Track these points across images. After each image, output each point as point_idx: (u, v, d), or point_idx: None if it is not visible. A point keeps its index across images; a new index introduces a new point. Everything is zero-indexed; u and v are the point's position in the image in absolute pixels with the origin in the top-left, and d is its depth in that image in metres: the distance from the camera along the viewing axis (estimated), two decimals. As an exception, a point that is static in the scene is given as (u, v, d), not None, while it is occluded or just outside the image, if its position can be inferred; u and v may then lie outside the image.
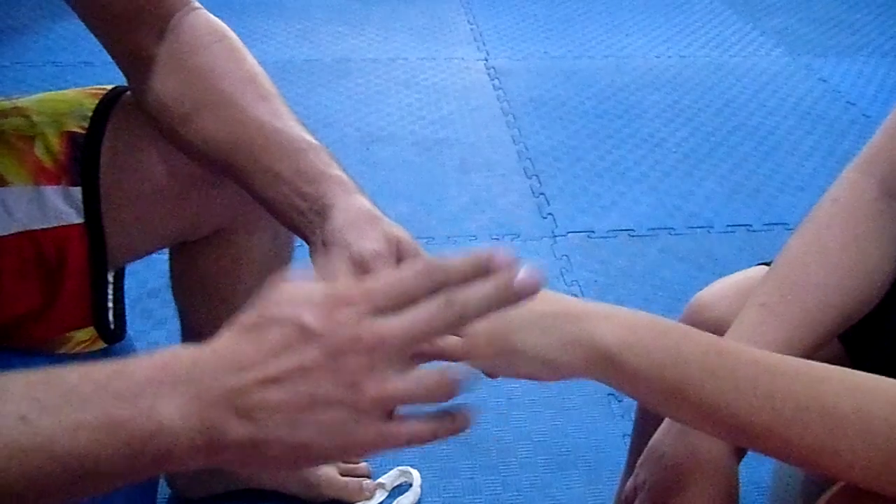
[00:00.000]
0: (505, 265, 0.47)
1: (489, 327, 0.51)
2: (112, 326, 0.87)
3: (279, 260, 1.03)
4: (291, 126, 0.73)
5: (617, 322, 0.51)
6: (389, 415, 0.45)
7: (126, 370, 0.44)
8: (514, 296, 0.47)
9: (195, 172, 0.82)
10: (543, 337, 0.51)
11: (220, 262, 0.97)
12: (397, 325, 0.44)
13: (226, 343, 0.45)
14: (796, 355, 0.65)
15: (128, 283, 0.92)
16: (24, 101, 0.84)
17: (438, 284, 0.46)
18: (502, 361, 0.52)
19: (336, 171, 0.69)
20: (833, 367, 0.52)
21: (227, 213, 0.90)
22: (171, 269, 1.02)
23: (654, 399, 0.53)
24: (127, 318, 0.90)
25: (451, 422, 0.46)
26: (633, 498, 0.73)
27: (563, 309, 0.52)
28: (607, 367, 0.51)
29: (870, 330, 0.73)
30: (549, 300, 0.53)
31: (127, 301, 0.91)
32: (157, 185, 0.83)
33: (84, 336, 0.85)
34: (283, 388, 0.43)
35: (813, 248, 0.69)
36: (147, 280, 1.52)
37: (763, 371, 0.51)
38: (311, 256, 0.67)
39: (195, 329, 1.07)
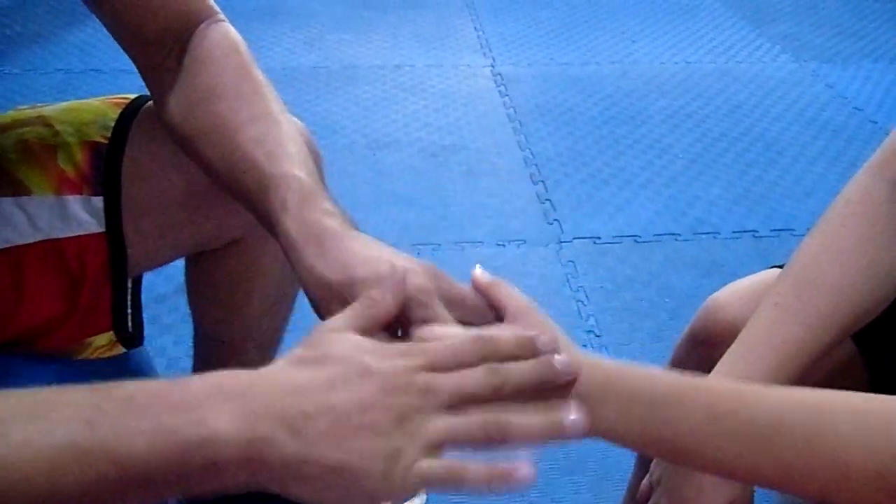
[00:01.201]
0: (547, 349, 0.51)
1: None
2: (131, 332, 0.88)
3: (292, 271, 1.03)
4: (267, 155, 0.69)
5: (613, 399, 0.52)
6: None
7: (182, 384, 0.46)
8: (553, 375, 0.51)
9: (212, 185, 0.83)
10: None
11: (236, 271, 0.97)
12: (448, 379, 0.48)
13: (283, 369, 0.48)
14: (810, 355, 0.66)
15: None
16: (48, 109, 0.85)
17: (487, 355, 0.50)
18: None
19: (313, 214, 0.65)
20: (835, 398, 0.52)
21: (243, 224, 0.91)
22: (187, 278, 1.03)
23: (662, 459, 0.55)
24: (140, 323, 0.91)
25: (507, 472, 0.47)
26: (648, 496, 0.74)
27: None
28: (609, 439, 0.53)
29: (883, 329, 0.73)
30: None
31: (137, 307, 0.92)
32: (176, 196, 0.84)
33: (103, 341, 0.85)
34: (335, 414, 0.45)
35: (827, 249, 0.70)
36: (155, 286, 1.53)
37: (764, 426, 0.51)
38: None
39: (210, 336, 1.08)
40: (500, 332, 0.52)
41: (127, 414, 0.44)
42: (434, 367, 0.48)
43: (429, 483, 0.46)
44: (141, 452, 0.43)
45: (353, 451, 0.44)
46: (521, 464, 0.47)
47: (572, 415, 0.49)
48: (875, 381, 0.75)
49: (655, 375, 0.54)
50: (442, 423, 0.47)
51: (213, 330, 1.07)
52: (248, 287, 1.00)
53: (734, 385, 0.59)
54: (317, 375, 0.47)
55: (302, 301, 1.07)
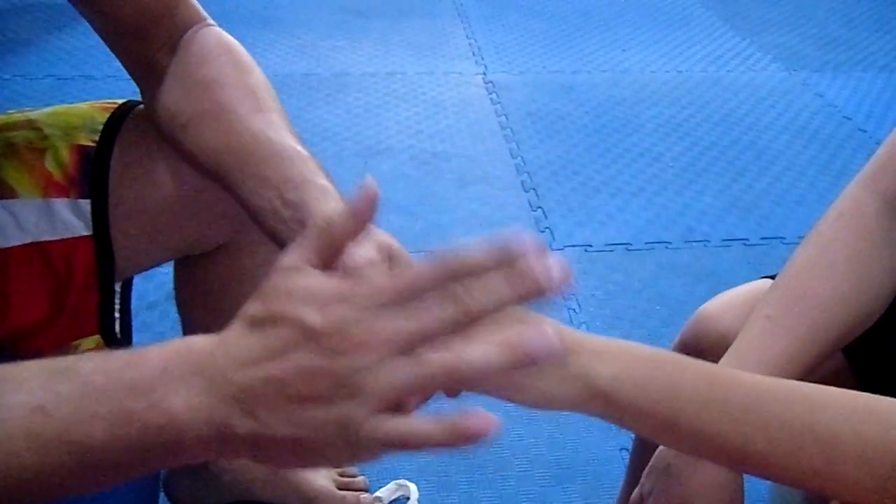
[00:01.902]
0: (525, 253, 0.43)
1: None
2: (119, 336, 0.87)
3: None
4: (283, 136, 0.72)
5: (611, 357, 0.50)
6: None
7: (139, 361, 0.44)
8: (534, 289, 0.43)
9: (202, 187, 0.83)
10: (537, 371, 0.50)
11: (224, 276, 0.97)
12: (401, 325, 0.43)
13: (235, 337, 0.46)
14: (801, 368, 0.66)
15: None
16: (37, 113, 0.85)
17: (452, 277, 0.44)
18: (497, 392, 0.51)
19: (321, 181, 0.68)
20: (830, 389, 0.52)
21: (232, 228, 0.91)
22: (175, 281, 1.03)
23: (649, 431, 0.53)
24: (128, 328, 0.91)
25: (466, 424, 0.42)
26: (641, 504, 0.73)
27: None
28: (602, 402, 0.50)
29: (873, 342, 0.74)
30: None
31: (125, 313, 0.91)
32: (164, 199, 0.84)
33: (90, 344, 0.85)
34: (283, 387, 0.43)
35: (818, 262, 0.70)
36: (145, 293, 1.52)
37: (757, 399, 0.51)
38: None
39: None
40: (469, 252, 0.44)
41: (83, 399, 0.42)
42: (386, 305, 0.43)
43: (389, 445, 0.43)
44: (99, 439, 0.42)
45: (305, 425, 0.43)
46: (479, 415, 0.42)
47: (542, 335, 0.43)
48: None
49: (656, 348, 0.53)
50: (388, 379, 0.42)
51: (202, 334, 1.06)
52: (237, 291, 0.99)
53: (729, 369, 0.59)
54: (264, 343, 0.44)
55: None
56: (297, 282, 0.46)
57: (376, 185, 0.49)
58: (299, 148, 0.72)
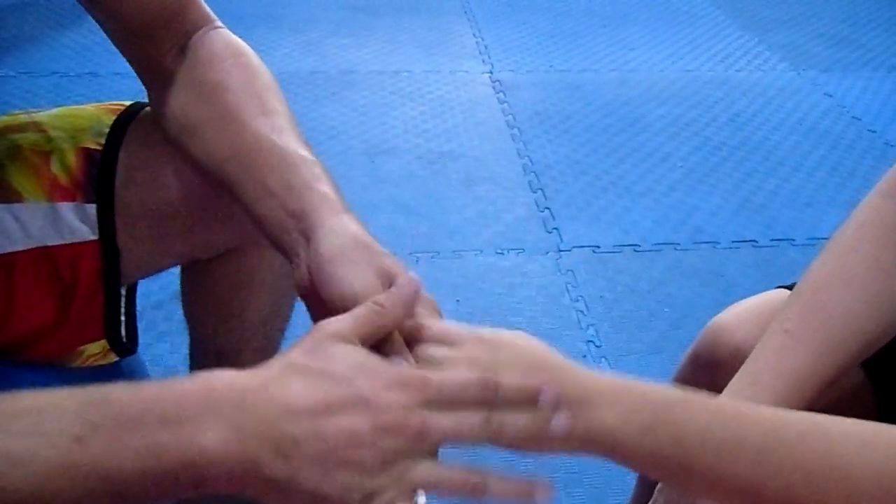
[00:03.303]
0: (550, 404, 0.49)
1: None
2: (124, 340, 0.87)
3: (290, 280, 1.02)
4: (288, 141, 0.71)
5: (615, 402, 0.50)
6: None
7: (174, 392, 0.46)
8: (548, 435, 0.49)
9: (208, 192, 0.82)
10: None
11: (231, 280, 0.96)
12: (444, 423, 0.48)
13: (278, 379, 0.47)
14: (820, 382, 0.64)
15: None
16: (42, 115, 0.84)
17: (488, 398, 0.49)
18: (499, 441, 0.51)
19: (324, 188, 0.67)
20: (847, 421, 0.51)
21: (239, 233, 0.90)
22: (182, 286, 1.02)
23: (659, 476, 0.53)
24: (134, 331, 0.90)
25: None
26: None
27: (562, 391, 0.50)
28: (609, 450, 0.50)
29: (893, 356, 0.72)
30: (549, 376, 0.51)
31: (130, 315, 0.90)
32: (170, 204, 0.83)
33: (96, 349, 0.84)
34: (329, 446, 0.45)
35: (837, 274, 0.68)
36: (150, 293, 1.51)
37: (773, 438, 0.50)
38: (294, 276, 0.65)
39: (205, 344, 1.07)
40: (506, 379, 0.50)
41: (118, 429, 0.44)
42: (431, 402, 0.48)
43: None
44: (130, 469, 0.43)
45: (336, 484, 0.46)
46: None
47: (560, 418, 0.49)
48: (883, 408, 0.74)
49: (658, 385, 0.52)
50: (426, 471, 0.48)
51: (209, 339, 1.06)
52: (244, 296, 0.98)
53: (739, 402, 0.58)
54: (312, 396, 0.46)
55: (301, 307, 1.06)
56: (349, 350, 0.49)
57: (418, 281, 0.56)
58: (303, 152, 0.70)
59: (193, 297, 1.02)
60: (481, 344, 0.52)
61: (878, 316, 0.66)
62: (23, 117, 0.84)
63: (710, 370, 0.78)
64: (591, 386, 0.50)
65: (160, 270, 0.92)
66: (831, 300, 0.67)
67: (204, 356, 1.08)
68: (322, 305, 0.60)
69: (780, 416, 0.52)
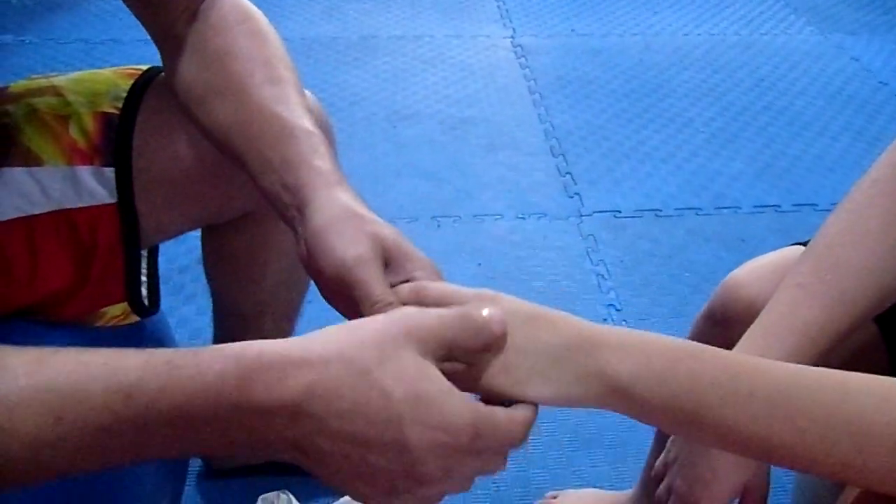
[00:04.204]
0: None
1: (503, 360, 0.51)
2: (146, 302, 0.88)
3: None
4: (291, 111, 0.71)
5: (628, 352, 0.50)
6: None
7: (204, 397, 0.45)
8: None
9: (222, 157, 0.83)
10: (555, 369, 0.50)
11: (250, 245, 0.98)
12: (474, 470, 0.49)
13: (322, 395, 0.45)
14: (832, 336, 0.65)
15: (159, 259, 0.93)
16: (61, 79, 0.85)
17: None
18: (514, 391, 0.51)
19: (318, 162, 0.66)
20: (860, 376, 0.51)
21: (254, 198, 0.91)
22: (203, 250, 1.04)
23: (671, 427, 0.52)
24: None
25: None
26: (664, 474, 0.74)
27: (576, 340, 0.51)
28: (620, 399, 0.50)
29: None
30: (561, 329, 0.52)
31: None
32: (186, 168, 0.84)
33: (117, 311, 0.86)
34: (354, 468, 0.47)
35: (852, 229, 0.69)
36: (177, 256, 1.54)
37: (783, 391, 0.50)
38: (297, 251, 0.65)
39: (227, 308, 1.09)
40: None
41: (147, 426, 0.45)
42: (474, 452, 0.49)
43: None
44: (152, 453, 0.46)
45: (348, 486, 0.48)
46: None
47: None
48: (895, 364, 0.75)
49: (676, 339, 0.53)
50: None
51: (230, 303, 1.07)
52: (263, 259, 1.00)
53: (753, 356, 0.58)
54: (353, 424, 0.45)
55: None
56: (416, 379, 0.47)
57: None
58: (305, 124, 0.70)
59: (213, 261, 1.04)
60: (482, 302, 0.52)
61: (892, 270, 0.67)
62: (41, 81, 0.84)
63: (724, 326, 0.79)
64: (603, 335, 0.51)
65: (178, 234, 0.93)
66: (845, 255, 0.67)
67: (226, 319, 1.10)
68: (323, 279, 0.60)
69: (794, 369, 0.52)
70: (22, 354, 0.45)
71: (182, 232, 0.93)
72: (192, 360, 0.45)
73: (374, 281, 0.57)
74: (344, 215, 0.61)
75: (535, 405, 0.51)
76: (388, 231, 0.61)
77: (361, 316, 0.55)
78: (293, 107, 0.71)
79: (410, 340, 0.47)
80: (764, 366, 0.52)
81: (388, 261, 0.59)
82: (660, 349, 0.51)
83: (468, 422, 0.47)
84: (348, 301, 0.58)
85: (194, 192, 0.86)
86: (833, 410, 0.49)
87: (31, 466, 0.44)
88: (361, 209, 0.62)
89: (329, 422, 0.45)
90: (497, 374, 0.51)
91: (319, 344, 0.47)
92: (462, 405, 0.47)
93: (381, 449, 0.46)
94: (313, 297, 1.08)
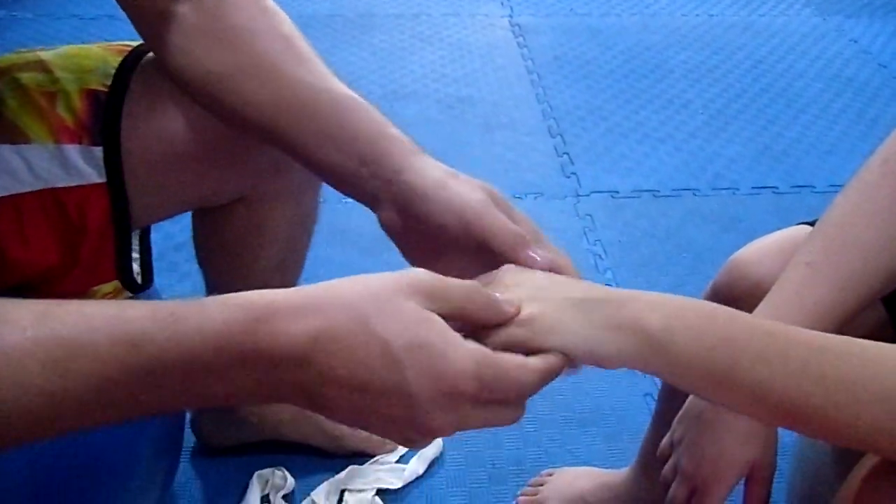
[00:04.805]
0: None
1: (534, 312, 0.51)
2: (139, 280, 0.87)
3: (302, 229, 1.03)
4: (337, 85, 0.70)
5: (662, 306, 0.50)
6: None
7: (205, 347, 0.45)
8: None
9: (216, 141, 0.82)
10: (586, 321, 0.50)
11: (242, 230, 0.96)
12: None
13: (326, 346, 0.46)
14: (841, 315, 0.65)
15: (153, 236, 0.92)
16: (48, 54, 0.82)
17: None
18: (535, 342, 0.50)
19: (394, 131, 0.67)
20: (883, 345, 0.51)
21: (248, 182, 0.90)
22: (194, 235, 1.02)
23: (703, 385, 0.51)
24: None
25: None
26: (669, 454, 0.73)
27: (606, 295, 0.51)
28: (654, 352, 0.49)
29: None
30: (591, 287, 0.52)
31: (153, 254, 0.91)
32: (176, 150, 0.82)
33: (109, 288, 0.85)
34: (359, 414, 0.47)
35: (860, 209, 0.68)
36: (172, 234, 1.53)
37: (815, 352, 0.50)
38: (381, 221, 0.66)
39: (219, 290, 1.07)
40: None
41: (152, 376, 0.45)
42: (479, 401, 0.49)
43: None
44: (159, 406, 0.47)
45: (362, 425, 0.49)
46: None
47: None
48: None
49: (704, 301, 0.53)
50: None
51: (222, 285, 1.06)
52: (255, 245, 0.99)
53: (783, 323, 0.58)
54: (354, 374, 0.46)
55: (313, 254, 1.07)
56: (419, 327, 0.47)
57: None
58: (355, 96, 0.69)
59: (205, 245, 1.03)
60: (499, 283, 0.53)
61: None
62: (28, 56, 0.82)
63: (730, 305, 0.79)
64: (635, 292, 0.51)
65: (169, 216, 0.91)
66: (854, 234, 0.67)
67: None
68: (421, 243, 0.62)
69: (822, 335, 0.52)
70: (27, 306, 0.45)
71: (173, 214, 0.92)
72: (197, 309, 0.45)
73: (505, 220, 0.61)
74: (447, 175, 0.64)
75: (559, 355, 0.50)
76: (490, 186, 0.64)
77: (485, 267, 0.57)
78: (335, 82, 0.71)
79: (414, 293, 0.47)
80: (795, 330, 0.52)
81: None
82: (695, 305, 0.51)
83: (471, 369, 0.47)
84: (467, 254, 0.60)
85: (185, 174, 0.84)
86: (862, 374, 0.49)
87: (38, 419, 0.44)
88: (454, 171, 0.65)
89: (334, 370, 0.45)
90: (517, 326, 0.50)
91: (323, 290, 0.47)
92: (464, 352, 0.47)
93: (385, 398, 0.46)
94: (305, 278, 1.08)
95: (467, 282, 0.50)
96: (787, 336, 0.51)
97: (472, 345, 0.48)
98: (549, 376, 0.50)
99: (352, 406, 0.47)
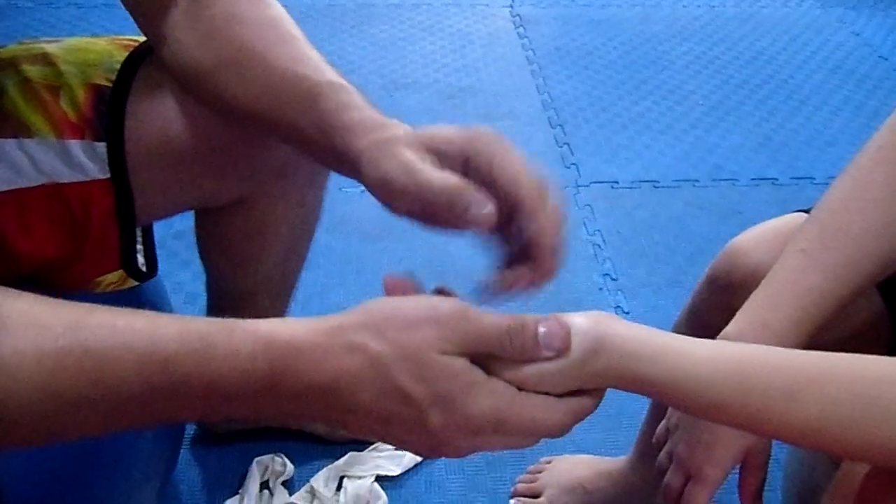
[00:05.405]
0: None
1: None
2: (144, 269, 0.87)
3: (305, 227, 1.03)
4: (313, 68, 0.69)
5: (645, 356, 0.50)
6: None
7: (234, 374, 0.46)
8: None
9: (219, 139, 0.81)
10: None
11: (244, 230, 0.96)
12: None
13: (350, 382, 0.47)
14: (836, 302, 0.65)
15: (154, 225, 0.92)
16: (53, 46, 0.82)
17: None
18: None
19: (349, 115, 0.65)
20: (886, 360, 0.51)
21: (252, 183, 0.89)
22: (197, 231, 1.01)
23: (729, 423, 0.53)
24: (154, 256, 0.91)
25: None
26: (665, 440, 0.74)
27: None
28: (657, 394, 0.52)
29: None
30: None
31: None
32: (179, 149, 0.81)
33: (114, 278, 0.85)
34: (375, 434, 0.49)
35: (856, 195, 0.69)
36: (172, 222, 1.50)
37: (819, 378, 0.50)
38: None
39: (221, 285, 1.08)
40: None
41: (178, 398, 0.46)
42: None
43: None
44: (183, 418, 0.50)
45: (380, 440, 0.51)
46: None
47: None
48: None
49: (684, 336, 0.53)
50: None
51: (225, 281, 1.06)
52: (258, 245, 0.99)
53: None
54: (378, 406, 0.47)
55: (313, 242, 1.07)
56: (444, 376, 0.47)
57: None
58: (329, 77, 0.68)
59: (207, 243, 1.02)
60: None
61: (894, 237, 0.66)
62: (33, 47, 0.81)
63: (727, 291, 0.79)
64: (632, 340, 0.51)
65: (171, 214, 0.91)
66: (849, 221, 0.67)
67: (220, 297, 1.09)
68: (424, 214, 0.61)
69: (806, 353, 0.52)
70: (58, 313, 0.46)
71: (176, 212, 0.91)
72: (226, 338, 0.46)
73: (430, 177, 0.60)
74: (381, 143, 0.63)
75: (595, 394, 0.51)
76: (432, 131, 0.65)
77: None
78: (312, 64, 0.70)
79: (443, 340, 0.47)
80: (777, 352, 0.53)
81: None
82: (672, 342, 0.51)
83: (494, 416, 0.48)
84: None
85: (187, 174, 0.83)
86: (855, 383, 0.49)
87: (60, 425, 0.45)
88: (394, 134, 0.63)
89: (357, 405, 0.47)
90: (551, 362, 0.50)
91: (345, 330, 0.47)
92: (484, 400, 0.47)
93: (406, 430, 0.48)
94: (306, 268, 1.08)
95: (505, 323, 0.49)
96: (792, 364, 0.51)
97: (498, 386, 0.48)
98: (580, 417, 0.51)
99: (372, 430, 0.49)
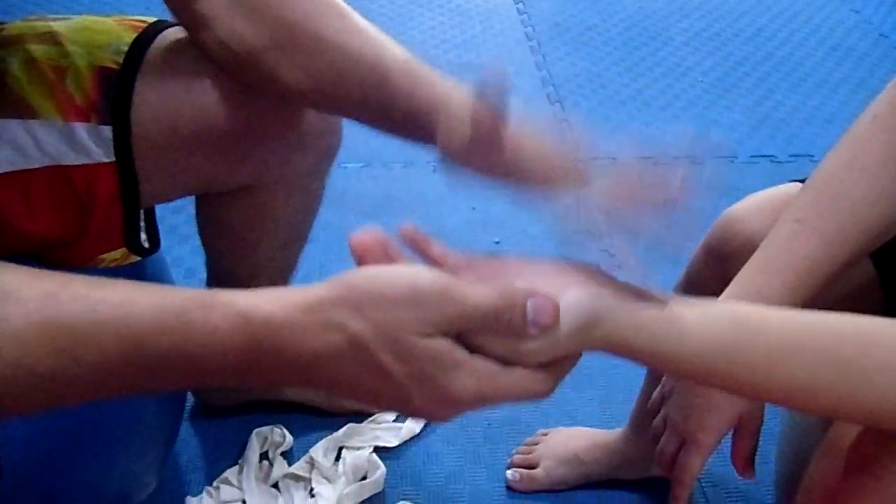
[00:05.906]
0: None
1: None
2: (146, 245, 0.87)
3: (307, 213, 1.03)
4: (372, 43, 0.72)
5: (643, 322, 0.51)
6: None
7: (212, 350, 0.47)
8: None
9: (226, 126, 0.81)
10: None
11: (246, 216, 0.96)
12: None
13: (334, 360, 0.47)
14: (830, 270, 0.65)
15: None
16: (60, 25, 0.80)
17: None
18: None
19: (423, 94, 0.70)
20: (876, 320, 0.51)
21: (257, 171, 0.89)
22: (198, 216, 1.01)
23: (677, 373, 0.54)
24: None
25: None
26: (660, 407, 0.75)
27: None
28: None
29: None
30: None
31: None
32: (184, 135, 0.80)
33: (117, 255, 0.85)
34: (358, 400, 0.50)
35: (851, 164, 0.69)
36: (171, 196, 1.53)
37: (791, 335, 0.50)
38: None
39: (220, 266, 1.08)
40: None
41: (155, 370, 0.47)
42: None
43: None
44: (163, 387, 0.49)
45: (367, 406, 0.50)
46: None
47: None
48: (890, 303, 0.75)
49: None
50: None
51: (224, 264, 1.07)
52: (259, 231, 0.99)
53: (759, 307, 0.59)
54: (362, 382, 0.47)
55: (314, 224, 1.07)
56: (426, 356, 0.47)
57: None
58: (393, 52, 0.73)
59: (208, 227, 1.02)
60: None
61: (890, 206, 0.67)
62: (40, 25, 0.80)
63: (722, 260, 0.80)
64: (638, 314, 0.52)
65: (175, 198, 0.91)
66: (844, 190, 0.68)
67: (218, 278, 1.09)
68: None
69: (796, 314, 0.53)
70: (34, 285, 0.45)
71: (177, 197, 0.91)
72: (202, 315, 0.46)
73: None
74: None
75: (575, 356, 0.51)
76: None
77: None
78: (370, 37, 0.73)
79: (425, 323, 0.46)
80: (770, 311, 0.53)
81: None
82: (671, 310, 0.52)
83: (473, 393, 0.48)
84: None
85: (193, 159, 0.82)
86: (839, 351, 0.50)
87: (40, 397, 0.46)
88: None
89: (339, 380, 0.47)
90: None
91: (323, 306, 0.46)
92: (465, 380, 0.47)
93: (390, 400, 0.48)
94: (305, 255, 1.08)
95: (491, 301, 0.47)
96: (801, 324, 0.51)
97: (480, 364, 0.48)
98: (561, 379, 0.51)
99: (357, 398, 0.49)
